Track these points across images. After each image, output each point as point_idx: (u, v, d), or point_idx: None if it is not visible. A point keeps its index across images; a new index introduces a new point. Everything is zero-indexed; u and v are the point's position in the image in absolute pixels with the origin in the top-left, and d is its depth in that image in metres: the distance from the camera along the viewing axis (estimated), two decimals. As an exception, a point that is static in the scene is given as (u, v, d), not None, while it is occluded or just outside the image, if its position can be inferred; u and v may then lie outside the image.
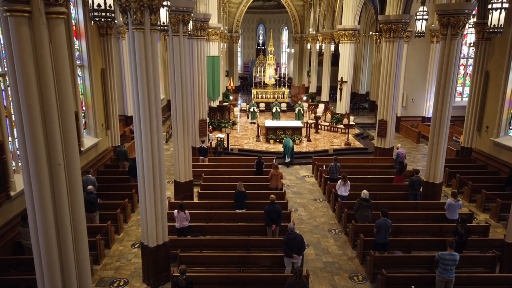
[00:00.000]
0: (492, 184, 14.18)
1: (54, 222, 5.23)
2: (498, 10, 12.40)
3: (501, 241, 9.86)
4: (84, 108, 15.34)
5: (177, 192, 13.05)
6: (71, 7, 14.07)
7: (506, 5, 12.35)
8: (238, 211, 11.63)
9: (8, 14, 4.60)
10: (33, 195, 5.13)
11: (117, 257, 10.36)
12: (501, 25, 12.60)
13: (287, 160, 18.21)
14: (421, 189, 13.01)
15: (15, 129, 9.83)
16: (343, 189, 12.62)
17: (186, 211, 10.20)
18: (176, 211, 10.15)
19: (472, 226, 10.64)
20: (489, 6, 12.96)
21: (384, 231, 9.60)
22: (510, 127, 15.83)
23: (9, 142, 10.11)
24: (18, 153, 6.58)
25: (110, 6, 6.87)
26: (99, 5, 6.74)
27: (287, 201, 12.63)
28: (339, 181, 12.77)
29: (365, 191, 11.01)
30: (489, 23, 12.80)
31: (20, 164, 5.38)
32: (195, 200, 13.13)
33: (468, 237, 9.74)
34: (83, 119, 15.15)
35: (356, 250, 10.70)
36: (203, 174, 14.48)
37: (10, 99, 9.89)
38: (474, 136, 17.17)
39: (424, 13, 17.87)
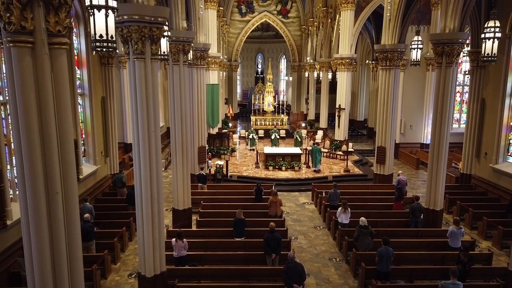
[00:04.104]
0: (493, 211, 14.05)
1: (49, 251, 5.14)
2: (491, 40, 12.69)
3: (504, 270, 9.70)
4: (83, 135, 15.40)
5: (175, 220, 12.90)
6: (74, 37, 14.38)
7: (498, 35, 12.66)
8: (237, 239, 11.48)
9: (11, 45, 4.68)
10: (29, 224, 5.07)
11: (113, 287, 10.13)
12: (494, 53, 12.86)
13: (314, 168, 20.35)
14: (422, 216, 12.91)
15: (14, 157, 9.83)
16: (343, 217, 12.50)
17: (185, 240, 10.06)
18: (174, 239, 10.00)
19: (475, 254, 10.48)
20: (482, 35, 13.28)
21: (386, 260, 9.45)
22: (509, 153, 15.87)
23: (8, 170, 10.09)
24: (16, 182, 6.54)
25: (112, 37, 7.00)
26: (101, 36, 6.88)
27: (287, 229, 12.48)
28: (340, 208, 12.66)
29: (362, 218, 10.92)
30: (483, 52, 13.07)
31: (17, 192, 5.31)
32: (194, 228, 12.97)
33: (471, 265, 9.58)
34: (82, 147, 15.17)
35: (357, 279, 10.48)
36: (202, 202, 14.37)
37: (10, 127, 9.97)
38: (473, 163, 17.17)
39: (419, 42, 18.35)
